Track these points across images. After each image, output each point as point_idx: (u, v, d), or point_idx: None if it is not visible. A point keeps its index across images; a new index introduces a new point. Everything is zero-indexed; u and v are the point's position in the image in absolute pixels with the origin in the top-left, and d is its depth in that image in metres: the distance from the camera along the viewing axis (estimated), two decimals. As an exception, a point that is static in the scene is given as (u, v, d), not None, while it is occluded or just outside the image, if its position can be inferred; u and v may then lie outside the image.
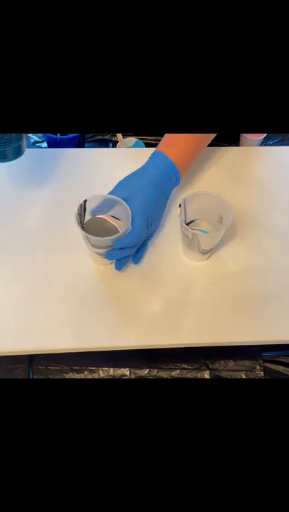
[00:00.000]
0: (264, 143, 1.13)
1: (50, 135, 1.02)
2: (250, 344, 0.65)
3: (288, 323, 0.64)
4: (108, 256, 0.63)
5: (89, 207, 0.64)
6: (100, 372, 0.82)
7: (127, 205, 0.62)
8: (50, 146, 1.06)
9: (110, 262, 0.67)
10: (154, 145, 0.71)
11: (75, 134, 1.02)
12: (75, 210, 0.61)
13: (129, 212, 0.62)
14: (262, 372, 0.83)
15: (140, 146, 1.02)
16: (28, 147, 1.24)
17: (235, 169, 0.82)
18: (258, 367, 0.84)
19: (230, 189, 0.77)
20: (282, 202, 0.77)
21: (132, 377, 0.82)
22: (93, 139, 1.16)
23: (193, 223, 0.69)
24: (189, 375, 0.82)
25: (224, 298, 0.66)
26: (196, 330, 0.63)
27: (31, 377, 0.81)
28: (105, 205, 0.65)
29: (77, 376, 0.82)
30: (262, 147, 1.07)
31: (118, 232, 0.62)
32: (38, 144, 1.21)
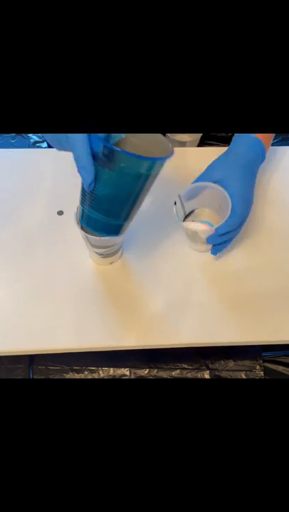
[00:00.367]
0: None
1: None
2: (250, 344, 0.65)
3: (288, 323, 0.64)
4: (210, 241, 0.63)
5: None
6: (100, 372, 0.82)
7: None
8: (50, 146, 1.07)
9: (110, 262, 0.67)
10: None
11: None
12: (74, 210, 0.61)
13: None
14: (262, 372, 0.83)
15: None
16: (28, 147, 1.24)
17: (235, 169, 0.81)
18: (258, 367, 0.84)
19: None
20: (283, 202, 0.77)
21: (132, 377, 0.82)
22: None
23: (193, 214, 0.69)
24: (189, 375, 0.82)
25: (224, 298, 0.66)
26: (196, 330, 0.63)
27: (31, 377, 0.81)
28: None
29: (77, 376, 0.82)
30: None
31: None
32: (38, 144, 1.22)
